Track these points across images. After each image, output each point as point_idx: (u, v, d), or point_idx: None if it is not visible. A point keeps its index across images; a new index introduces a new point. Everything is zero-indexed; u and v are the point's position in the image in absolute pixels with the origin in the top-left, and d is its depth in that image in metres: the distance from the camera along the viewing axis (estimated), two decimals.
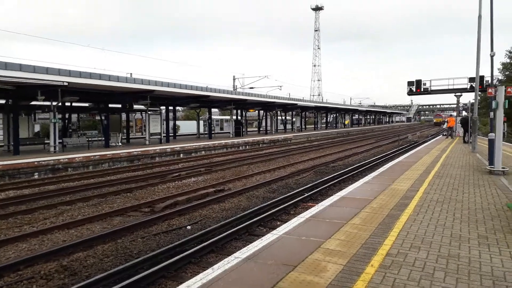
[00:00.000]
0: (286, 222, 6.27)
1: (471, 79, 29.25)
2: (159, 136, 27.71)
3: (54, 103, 19.58)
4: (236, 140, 30.27)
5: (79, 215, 8.90)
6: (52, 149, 19.54)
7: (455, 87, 31.24)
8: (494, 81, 24.63)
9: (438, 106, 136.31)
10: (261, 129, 48.42)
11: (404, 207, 6.73)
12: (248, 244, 5.25)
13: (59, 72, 17.83)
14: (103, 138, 24.97)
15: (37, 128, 34.47)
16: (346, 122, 78.95)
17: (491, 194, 7.82)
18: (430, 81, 32.32)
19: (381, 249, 4.61)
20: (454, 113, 38.52)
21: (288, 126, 55.74)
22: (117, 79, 20.97)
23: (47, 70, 17.35)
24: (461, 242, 4.83)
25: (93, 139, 27.10)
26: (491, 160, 11.26)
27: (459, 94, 30.65)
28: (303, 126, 58.69)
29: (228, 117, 43.98)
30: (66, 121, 28.99)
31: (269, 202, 9.38)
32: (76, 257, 6.15)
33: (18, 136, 19.31)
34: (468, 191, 8.17)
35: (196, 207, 9.40)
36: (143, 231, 7.55)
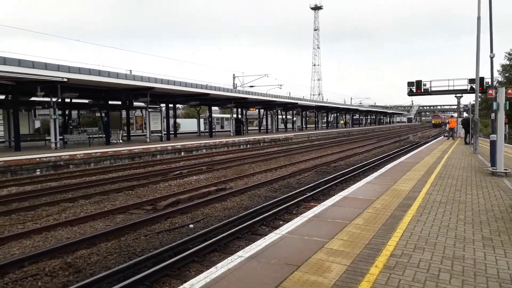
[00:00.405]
0: (289, 221, 6.27)
1: (471, 80, 29.29)
2: (160, 134, 27.73)
3: (54, 99, 19.61)
4: (237, 139, 30.27)
5: (82, 212, 8.91)
6: (53, 145, 19.56)
7: (455, 88, 31.30)
8: (494, 83, 24.62)
9: (439, 107, 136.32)
10: (261, 128, 48.42)
11: (407, 208, 6.73)
12: (251, 243, 5.25)
13: (58, 68, 17.82)
14: (104, 135, 24.99)
15: (37, 124, 34.46)
16: (341, 122, 78.25)
17: (494, 196, 7.83)
18: (430, 82, 32.41)
19: (385, 250, 4.61)
20: (455, 114, 38.55)
21: (289, 125, 55.76)
22: (117, 75, 20.99)
23: (46, 66, 17.34)
24: (465, 244, 4.84)
25: (93, 136, 27.12)
26: (493, 162, 11.26)
27: (460, 95, 30.68)
28: (304, 126, 58.72)
29: (228, 116, 43.98)
30: (66, 117, 28.99)
31: (271, 202, 9.38)
32: (80, 254, 6.17)
33: (19, 132, 19.33)
34: (471, 193, 8.18)
35: (198, 205, 9.40)
36: (146, 229, 7.56)
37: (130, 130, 35.04)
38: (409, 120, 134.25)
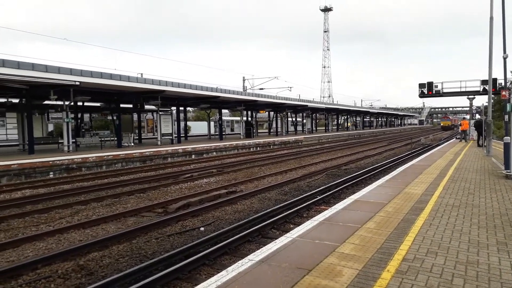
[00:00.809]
0: (300, 225, 6.26)
1: (484, 82, 28.87)
2: (171, 137, 27.91)
3: (67, 103, 19.87)
4: (247, 142, 30.31)
5: (94, 215, 9.01)
6: (66, 148, 19.82)
7: (468, 89, 30.88)
8: (508, 84, 24.27)
9: (451, 109, 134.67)
10: (271, 130, 48.39)
11: (419, 212, 6.66)
12: (261, 247, 5.25)
13: (71, 71, 18.09)
14: (116, 138, 25.25)
15: (50, 127, 34.99)
16: (348, 125, 76.31)
17: (508, 199, 7.69)
18: (442, 83, 32.05)
19: (397, 254, 4.57)
20: (468, 116, 38.05)
21: (299, 128, 55.61)
22: (128, 79, 21.20)
23: (59, 70, 17.62)
24: (479, 248, 4.76)
25: (105, 139, 27.44)
26: (507, 165, 11.06)
27: (472, 96, 30.28)
28: (314, 128, 58.52)
29: (238, 118, 44.06)
30: (79, 120, 29.39)
31: (281, 205, 9.36)
32: (92, 256, 6.23)
33: (33, 135, 19.63)
34: (485, 196, 8.05)
35: (209, 208, 9.44)
36: (157, 232, 7.61)
37: (141, 133, 35.34)
38: (421, 122, 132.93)
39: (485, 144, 18.89)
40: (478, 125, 24.27)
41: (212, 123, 40.48)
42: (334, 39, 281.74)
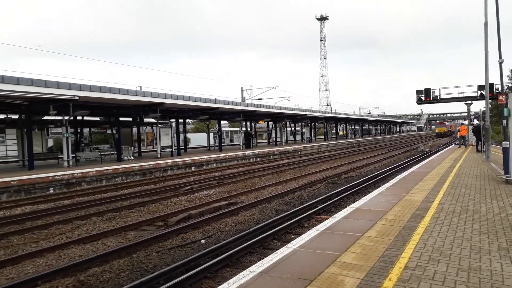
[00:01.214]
0: (301, 235, 6.24)
1: (481, 87, 29.00)
2: (170, 149, 27.92)
3: (66, 118, 19.93)
4: (246, 152, 30.32)
5: (94, 230, 8.98)
6: (66, 163, 19.81)
7: (465, 95, 31.00)
8: (504, 89, 24.38)
9: (449, 115, 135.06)
10: (270, 140, 48.43)
11: (420, 219, 6.65)
12: (262, 258, 5.23)
13: (69, 86, 18.18)
14: (115, 152, 25.25)
15: (50, 142, 35.00)
16: (340, 133, 74.53)
17: (509, 204, 7.68)
18: (439, 89, 32.17)
19: (399, 262, 4.55)
20: (466, 122, 38.13)
21: (298, 137, 55.67)
22: (127, 92, 21.30)
23: (58, 85, 17.70)
24: (481, 255, 4.75)
25: (105, 153, 27.42)
26: (506, 169, 11.07)
27: (469, 102, 30.40)
28: (313, 137, 58.59)
29: (237, 129, 44.12)
30: (78, 135, 29.42)
31: (282, 215, 9.33)
32: (92, 272, 6.19)
33: (32, 151, 19.63)
34: (485, 201, 8.04)
35: (209, 220, 9.40)
36: (158, 246, 7.57)
37: (141, 146, 35.33)
38: (419, 129, 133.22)
39: (484, 149, 18.92)
40: (477, 131, 24.34)
41: (211, 135, 40.50)
42: (334, 46, 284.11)
